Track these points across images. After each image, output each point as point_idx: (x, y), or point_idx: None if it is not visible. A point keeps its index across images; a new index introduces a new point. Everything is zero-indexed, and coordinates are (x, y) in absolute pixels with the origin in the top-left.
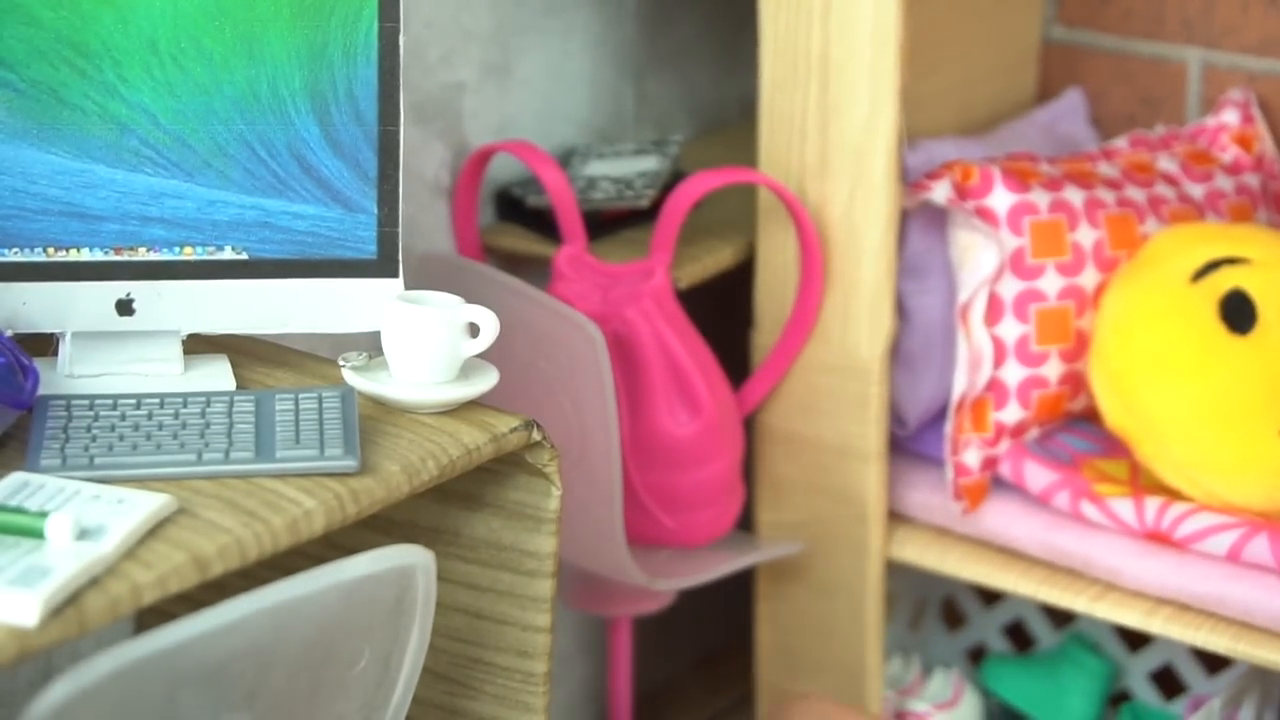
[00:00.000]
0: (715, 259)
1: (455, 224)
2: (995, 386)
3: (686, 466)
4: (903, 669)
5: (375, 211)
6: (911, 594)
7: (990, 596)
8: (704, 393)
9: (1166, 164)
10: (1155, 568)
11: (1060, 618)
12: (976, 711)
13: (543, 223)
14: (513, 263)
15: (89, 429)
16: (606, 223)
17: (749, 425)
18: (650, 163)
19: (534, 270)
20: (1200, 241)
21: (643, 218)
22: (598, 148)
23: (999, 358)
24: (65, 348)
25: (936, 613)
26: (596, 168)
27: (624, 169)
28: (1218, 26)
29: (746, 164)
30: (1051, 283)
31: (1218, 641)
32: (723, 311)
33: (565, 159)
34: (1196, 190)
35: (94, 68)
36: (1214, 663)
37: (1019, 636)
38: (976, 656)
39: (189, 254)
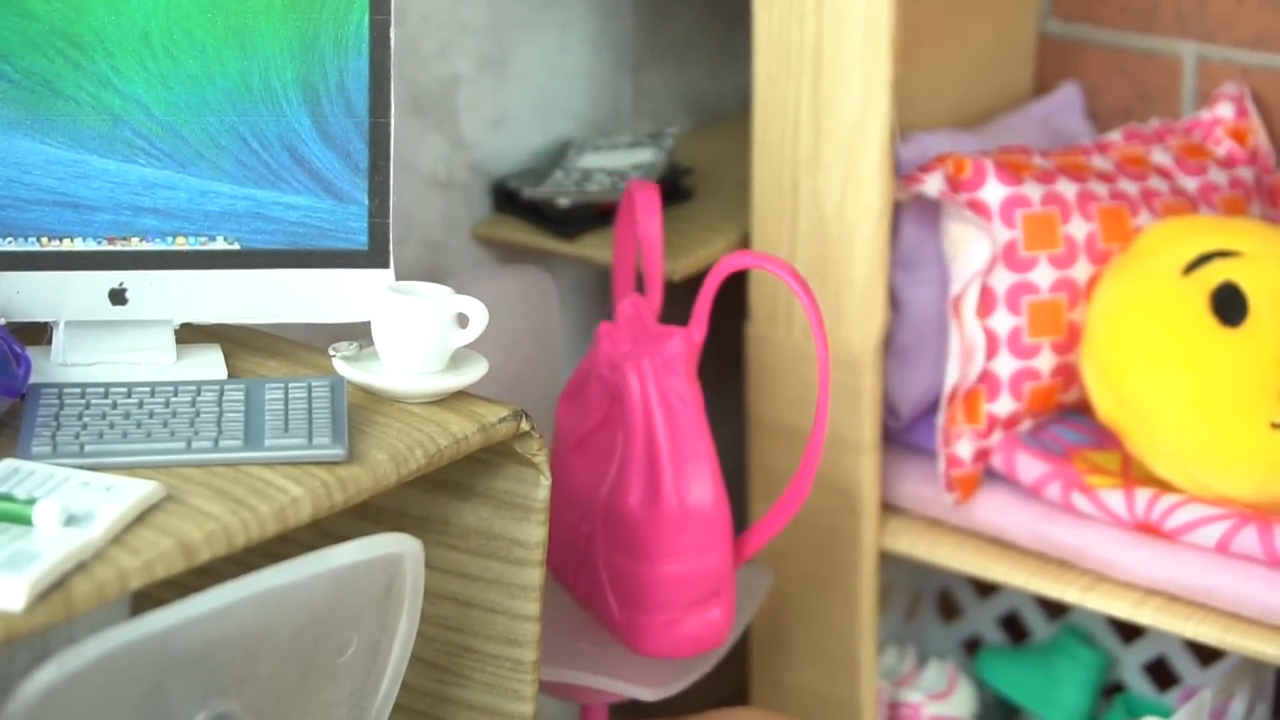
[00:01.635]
0: (709, 251)
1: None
2: (987, 378)
3: (636, 554)
4: (898, 660)
5: (366, 202)
6: (907, 586)
7: (985, 588)
8: (668, 485)
9: (1160, 157)
10: (1145, 559)
11: (1055, 609)
12: (970, 702)
13: (538, 215)
14: (509, 254)
15: (80, 417)
16: (601, 215)
17: (741, 417)
18: (646, 155)
19: (530, 261)
20: (1192, 234)
21: None
22: (594, 140)
23: (991, 350)
24: (58, 336)
25: (932, 604)
26: (592, 160)
27: (619, 161)
28: (1212, 20)
29: (742, 156)
30: (1044, 275)
31: (1207, 632)
32: (717, 304)
33: (562, 151)
34: (1190, 183)
35: (87, 59)
36: (1206, 654)
37: (1014, 628)
38: (972, 648)
39: (181, 244)
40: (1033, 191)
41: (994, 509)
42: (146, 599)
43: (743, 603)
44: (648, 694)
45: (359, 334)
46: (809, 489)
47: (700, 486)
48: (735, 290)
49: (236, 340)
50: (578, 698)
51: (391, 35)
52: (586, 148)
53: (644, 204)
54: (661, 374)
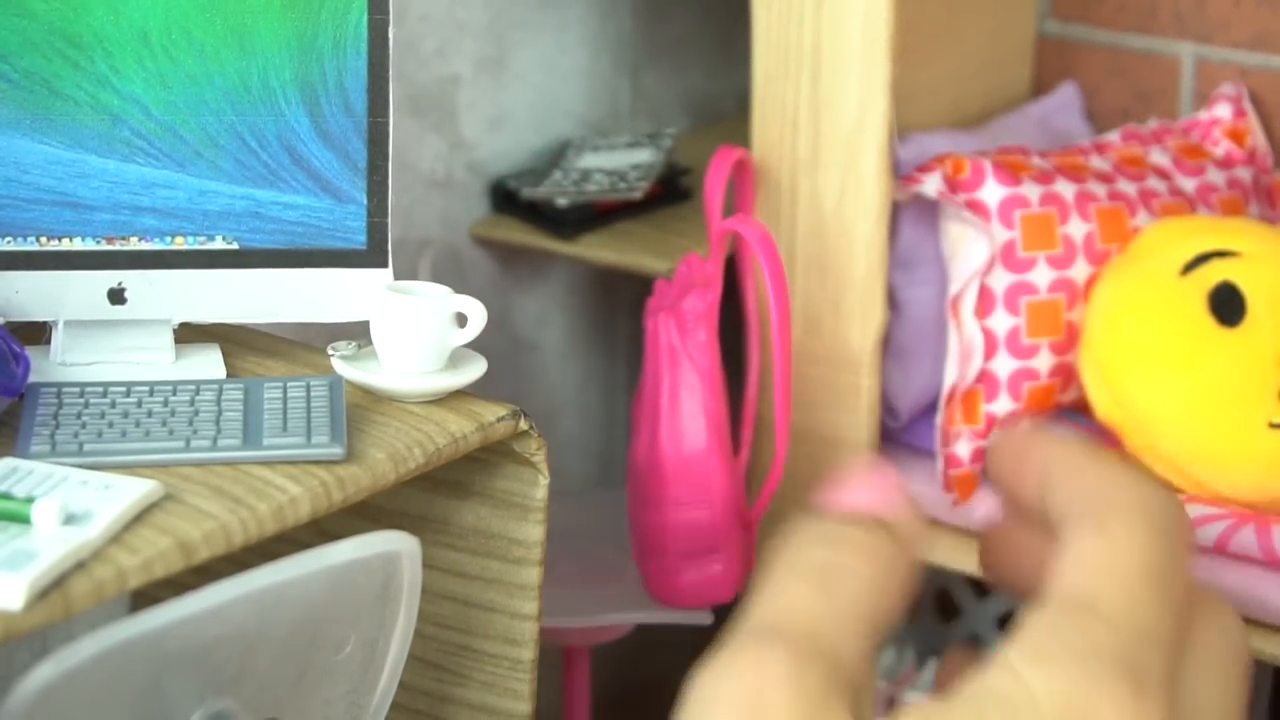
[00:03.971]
0: (707, 250)
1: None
2: (986, 378)
3: (639, 499)
4: (896, 659)
5: (365, 202)
6: None
7: (984, 588)
8: (664, 434)
9: (1158, 157)
10: None
11: None
12: None
13: (537, 215)
14: (509, 254)
15: (79, 416)
16: (599, 215)
17: (740, 417)
18: (644, 155)
19: (528, 262)
20: (1190, 235)
21: (635, 210)
22: (593, 140)
23: (990, 350)
24: (57, 336)
25: (930, 604)
26: (591, 160)
27: (618, 161)
28: (1211, 21)
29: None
30: (1042, 275)
31: None
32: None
33: (561, 151)
34: (1188, 184)
35: (86, 59)
36: None
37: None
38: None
39: (180, 244)
40: (1031, 192)
41: (993, 509)
42: (145, 598)
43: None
44: (706, 617)
45: (358, 333)
46: (788, 435)
47: (694, 438)
48: (735, 290)
49: (235, 340)
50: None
51: (390, 35)
52: (585, 148)
53: (714, 168)
54: (679, 329)
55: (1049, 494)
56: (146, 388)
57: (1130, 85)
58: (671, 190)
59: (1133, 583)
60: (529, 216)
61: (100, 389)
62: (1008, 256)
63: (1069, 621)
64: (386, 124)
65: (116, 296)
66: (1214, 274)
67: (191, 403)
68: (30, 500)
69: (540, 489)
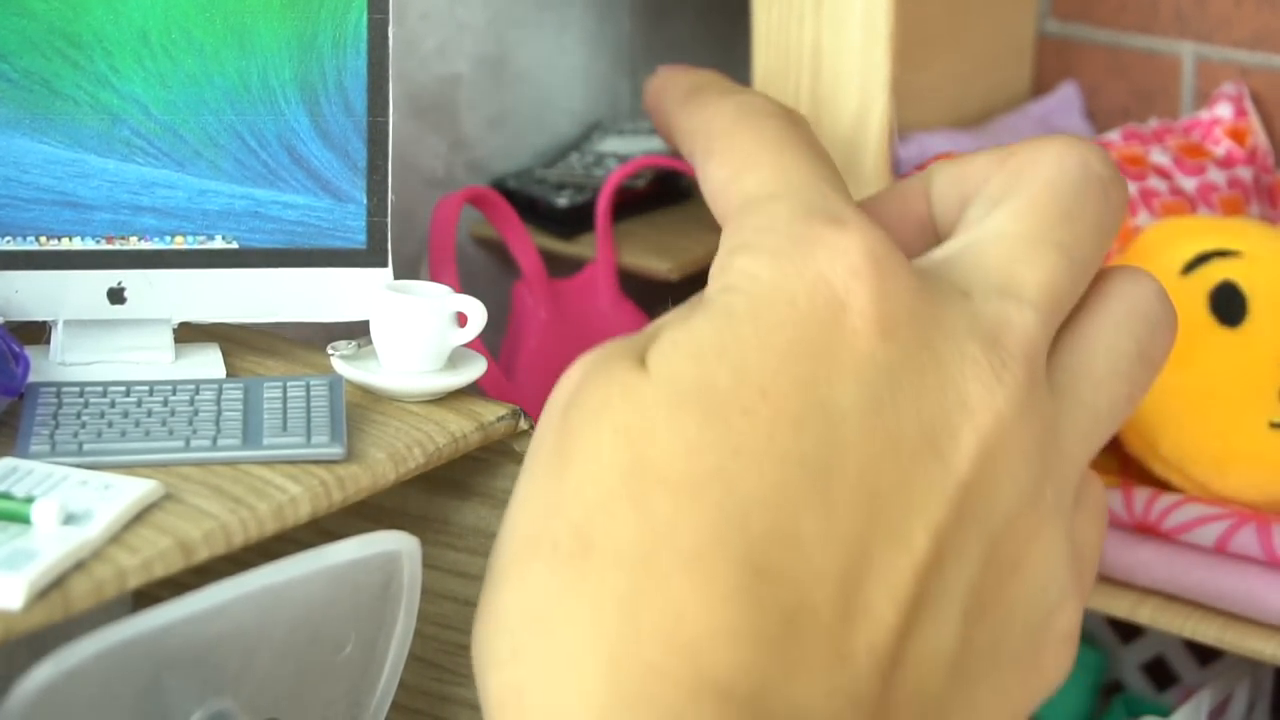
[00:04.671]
0: (706, 250)
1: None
2: None
3: None
4: None
5: (364, 201)
6: None
7: None
8: None
9: (1159, 157)
10: (1144, 558)
11: None
12: None
13: (537, 215)
14: (509, 254)
15: (79, 415)
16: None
17: None
18: (658, 142)
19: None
20: (1191, 234)
21: (636, 210)
22: (620, 124)
23: None
24: (57, 335)
25: None
26: (612, 144)
27: (633, 148)
28: (1211, 20)
29: None
30: None
31: (1205, 631)
32: None
33: (586, 134)
34: (1189, 183)
35: (86, 58)
36: (1205, 654)
37: None
38: None
39: (180, 243)
40: None
41: None
42: (146, 598)
43: None
44: None
45: (358, 333)
46: None
47: None
48: None
49: (235, 339)
50: None
51: (390, 34)
52: (611, 131)
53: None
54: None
55: (675, 133)
56: (146, 387)
57: (1130, 85)
58: (671, 190)
59: (765, 144)
60: (528, 216)
61: (100, 389)
62: None
63: (744, 214)
64: (386, 123)
65: (116, 296)
66: (1215, 273)
67: (191, 402)
68: (30, 500)
69: None
